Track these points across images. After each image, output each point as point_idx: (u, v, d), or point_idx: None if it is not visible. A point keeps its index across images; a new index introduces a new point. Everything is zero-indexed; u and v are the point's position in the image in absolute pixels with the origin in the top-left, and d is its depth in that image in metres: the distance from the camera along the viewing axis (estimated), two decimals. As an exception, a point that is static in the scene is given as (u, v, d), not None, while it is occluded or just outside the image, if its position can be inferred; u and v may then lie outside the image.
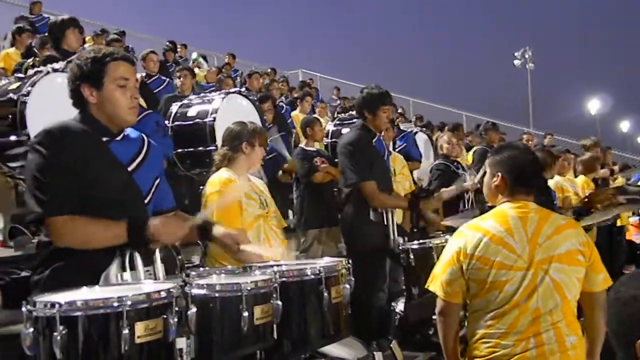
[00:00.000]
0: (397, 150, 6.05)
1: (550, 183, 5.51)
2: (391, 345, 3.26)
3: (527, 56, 26.74)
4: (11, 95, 3.74)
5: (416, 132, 7.06)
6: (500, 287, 2.31)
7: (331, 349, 2.81)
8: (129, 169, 2.22)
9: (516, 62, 27.07)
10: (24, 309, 1.61)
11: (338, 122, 6.21)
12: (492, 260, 2.32)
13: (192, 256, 4.06)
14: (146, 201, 2.26)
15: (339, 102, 10.28)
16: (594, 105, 32.25)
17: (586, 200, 4.44)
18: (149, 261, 2.15)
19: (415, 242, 3.88)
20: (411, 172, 6.39)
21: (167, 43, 11.32)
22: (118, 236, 2.04)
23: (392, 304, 4.11)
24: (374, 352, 2.81)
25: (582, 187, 6.11)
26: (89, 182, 2.09)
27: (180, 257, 3.94)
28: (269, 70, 12.28)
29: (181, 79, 6.27)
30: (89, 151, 2.12)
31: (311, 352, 2.74)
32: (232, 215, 3.06)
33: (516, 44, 27.86)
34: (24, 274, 3.57)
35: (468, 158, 7.18)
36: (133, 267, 2.05)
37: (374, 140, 4.07)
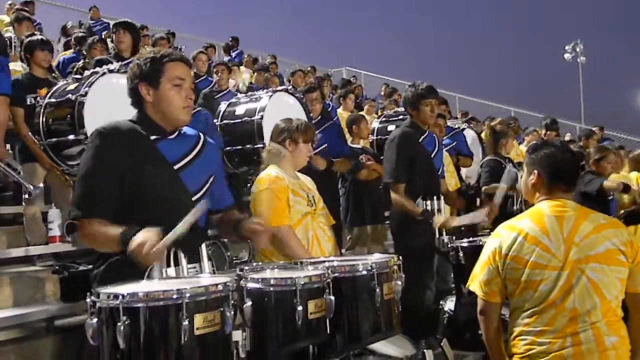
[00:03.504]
0: (446, 148, 5.97)
1: (606, 182, 5.33)
2: (442, 344, 3.23)
3: (578, 50, 25.93)
4: (69, 95, 3.88)
5: (464, 129, 6.97)
6: (534, 287, 2.32)
7: (380, 347, 2.81)
8: (177, 166, 2.26)
9: (567, 55, 26.28)
10: (88, 300, 1.66)
11: (384, 119, 6.17)
12: (526, 260, 2.33)
13: (240, 252, 4.14)
14: (194, 198, 2.27)
15: (389, 100, 10.20)
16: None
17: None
18: (195, 258, 2.20)
19: (465, 240, 3.85)
20: (459, 169, 6.32)
21: (210, 44, 11.51)
22: (115, 246, 2.01)
23: (441, 302, 4.08)
24: (424, 350, 2.78)
25: (636, 183, 5.90)
26: (135, 181, 2.15)
27: (229, 253, 4.01)
28: (309, 68, 12.31)
29: (218, 74, 6.41)
30: (136, 151, 2.19)
31: (361, 349, 2.76)
32: (280, 213, 3.09)
33: (567, 37, 26.97)
34: (81, 268, 3.72)
35: (522, 153, 7.02)
36: (177, 263, 2.10)
37: (422, 138, 4.03)
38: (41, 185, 4.26)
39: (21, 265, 4.27)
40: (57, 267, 3.82)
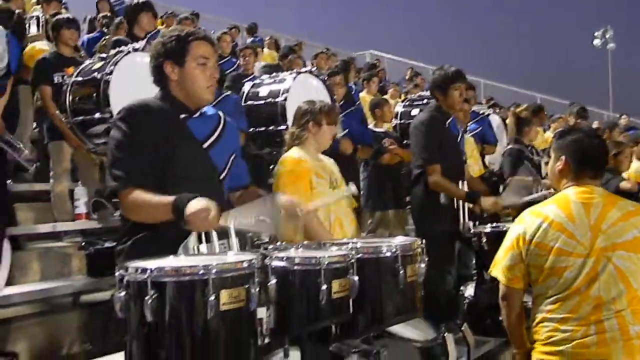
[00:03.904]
0: (471, 134, 5.91)
1: (631, 169, 5.24)
2: (462, 329, 3.23)
3: (607, 36, 25.34)
4: (95, 74, 3.92)
5: (489, 115, 6.89)
6: (559, 274, 2.30)
7: (401, 330, 2.82)
8: (205, 145, 2.29)
9: (596, 42, 25.71)
10: (116, 273, 1.69)
11: (407, 103, 6.12)
12: (550, 246, 2.31)
13: (261, 234, 4.17)
14: (221, 177, 2.33)
15: (412, 84, 10.10)
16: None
17: None
18: (223, 235, 2.24)
19: (489, 225, 3.83)
20: (483, 156, 6.27)
21: (234, 25, 11.50)
22: (166, 214, 2.03)
23: (461, 288, 4.08)
24: (445, 334, 2.79)
25: None
26: (167, 158, 2.17)
27: (250, 234, 4.07)
28: (331, 50, 12.21)
29: (245, 58, 6.39)
30: (168, 128, 2.20)
31: (381, 332, 2.78)
32: (302, 195, 3.10)
33: (596, 23, 26.34)
34: (107, 244, 3.80)
35: (547, 140, 6.94)
36: (209, 240, 2.12)
37: (447, 122, 4.01)
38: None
39: (49, 241, 4.38)
40: (83, 244, 3.91)
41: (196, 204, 1.94)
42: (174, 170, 2.18)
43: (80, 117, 3.99)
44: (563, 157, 2.50)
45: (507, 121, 6.24)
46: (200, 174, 2.25)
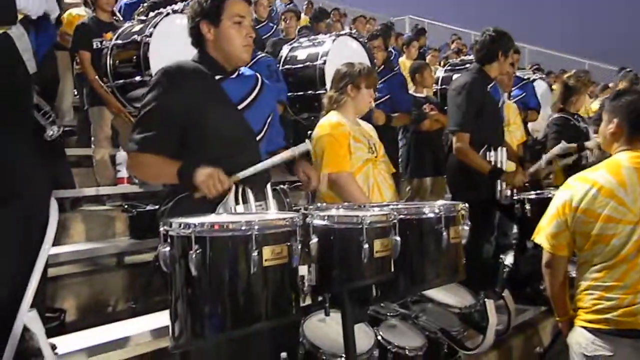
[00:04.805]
0: (514, 99, 5.77)
1: None
2: (503, 294, 3.21)
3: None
4: (135, 37, 3.96)
5: (533, 80, 6.70)
6: (606, 241, 2.27)
7: (439, 295, 2.83)
8: (241, 106, 2.30)
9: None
10: (161, 229, 1.72)
11: (449, 68, 6.00)
12: (598, 213, 2.27)
13: (299, 200, 4.21)
14: (258, 138, 2.34)
15: (453, 49, 9.87)
16: None
17: None
18: (261, 196, 2.26)
19: (533, 192, 3.77)
20: (526, 123, 6.12)
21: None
22: (172, 178, 2.15)
23: (501, 256, 4.05)
24: (485, 300, 2.78)
25: None
26: (201, 120, 2.19)
27: (288, 200, 4.11)
28: (370, 15, 11.99)
29: (286, 21, 6.25)
30: (201, 89, 2.22)
31: (419, 297, 2.78)
32: (341, 159, 3.09)
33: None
34: (148, 207, 3.89)
35: (592, 108, 6.72)
36: (246, 201, 2.16)
37: (489, 87, 3.91)
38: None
39: (92, 205, 4.51)
40: (125, 207, 4.01)
41: (205, 170, 2.05)
42: (207, 132, 2.21)
43: (121, 81, 4.05)
44: (616, 120, 2.42)
45: (554, 87, 6.07)
46: (234, 136, 2.27)
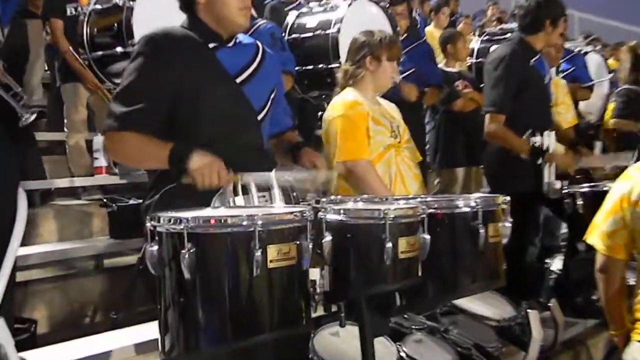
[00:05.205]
0: (563, 75, 5.73)
1: None
2: (549, 305, 3.20)
3: None
4: (116, 1, 3.95)
5: (586, 53, 6.65)
6: None
7: (473, 306, 2.82)
8: (239, 79, 2.30)
9: None
10: (147, 224, 1.71)
11: (486, 38, 5.94)
12: None
13: (307, 195, 4.20)
14: (260, 117, 2.33)
15: (490, 17, 9.78)
16: None
17: None
18: (263, 187, 2.24)
19: (586, 185, 3.74)
20: (576, 103, 6.08)
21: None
22: (160, 161, 2.10)
23: (547, 260, 4.04)
24: (528, 311, 2.78)
25: None
26: (193, 95, 2.19)
27: (294, 194, 4.12)
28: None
29: None
30: (192, 60, 2.22)
31: (450, 307, 2.78)
32: (358, 145, 3.08)
33: None
34: (131, 202, 3.91)
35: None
36: (247, 192, 2.14)
37: (533, 60, 3.88)
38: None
39: (65, 199, 4.54)
40: (104, 201, 4.03)
41: (201, 158, 2.02)
42: (201, 109, 2.21)
43: (100, 52, 4.07)
44: None
45: (621, 58, 6.02)
46: (231, 114, 2.27)
